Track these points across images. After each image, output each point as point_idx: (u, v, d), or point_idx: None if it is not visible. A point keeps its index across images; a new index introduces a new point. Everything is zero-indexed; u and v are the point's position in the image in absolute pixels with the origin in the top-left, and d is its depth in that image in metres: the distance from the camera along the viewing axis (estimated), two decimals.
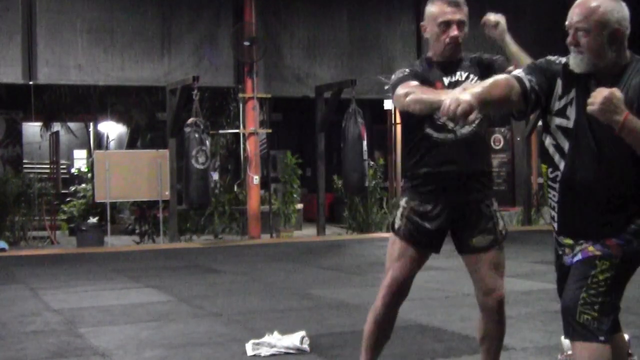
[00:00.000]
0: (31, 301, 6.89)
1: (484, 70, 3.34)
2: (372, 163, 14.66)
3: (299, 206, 15.20)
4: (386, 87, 3.47)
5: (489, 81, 2.77)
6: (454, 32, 3.29)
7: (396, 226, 3.36)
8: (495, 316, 3.36)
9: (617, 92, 2.54)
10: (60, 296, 7.11)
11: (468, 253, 3.36)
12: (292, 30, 13.74)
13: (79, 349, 4.93)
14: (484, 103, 2.66)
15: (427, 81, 3.25)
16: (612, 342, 2.77)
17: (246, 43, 12.50)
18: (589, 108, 2.56)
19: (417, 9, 14.58)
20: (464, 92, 2.66)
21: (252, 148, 12.99)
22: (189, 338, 5.19)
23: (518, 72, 2.83)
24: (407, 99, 3.12)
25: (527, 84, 2.74)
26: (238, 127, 14.08)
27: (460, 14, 3.30)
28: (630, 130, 2.54)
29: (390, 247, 3.39)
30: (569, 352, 4.23)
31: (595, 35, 2.63)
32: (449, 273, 8.33)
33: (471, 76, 3.33)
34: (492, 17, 3.42)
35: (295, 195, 14.66)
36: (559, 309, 6.27)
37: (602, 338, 2.65)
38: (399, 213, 3.37)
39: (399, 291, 3.38)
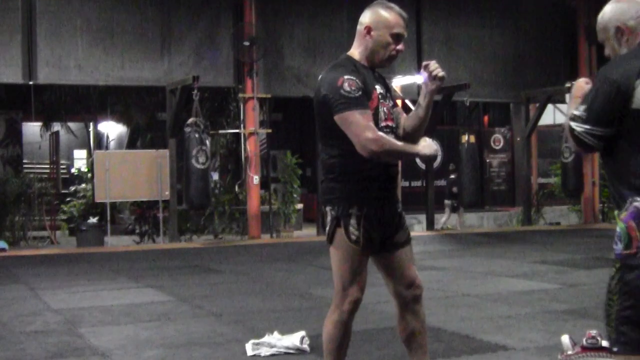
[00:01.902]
0: (31, 301, 6.89)
1: (388, 91, 3.41)
2: None
3: (299, 206, 15.20)
4: (328, 96, 3.18)
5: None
6: (401, 46, 3.31)
7: (353, 237, 3.24)
8: (417, 308, 3.43)
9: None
10: (60, 296, 7.11)
11: (390, 251, 3.37)
12: (292, 31, 13.74)
13: (79, 349, 4.93)
14: None
15: (367, 89, 3.22)
16: None
17: (246, 43, 12.50)
18: None
19: (417, 9, 14.61)
20: None
21: (252, 148, 12.99)
22: (189, 338, 5.19)
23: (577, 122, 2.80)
24: (381, 149, 3.12)
25: (591, 140, 2.77)
26: (238, 127, 14.09)
27: (406, 32, 3.35)
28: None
29: (347, 258, 3.28)
30: (569, 352, 4.24)
31: (607, 41, 2.78)
32: (449, 273, 8.33)
33: (388, 96, 3.36)
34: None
35: (295, 195, 14.66)
36: (559, 309, 6.29)
37: (615, 349, 2.62)
38: (352, 222, 3.23)
39: (361, 300, 3.39)
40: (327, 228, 3.34)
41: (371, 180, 3.26)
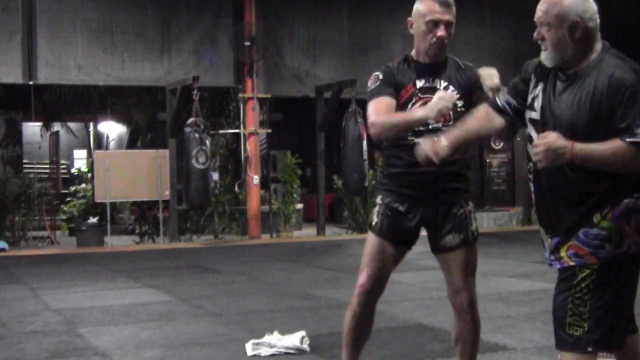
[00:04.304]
0: (31, 301, 6.89)
1: (465, 87, 3.33)
2: None
3: (299, 206, 15.19)
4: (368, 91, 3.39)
5: (467, 120, 2.98)
6: (441, 32, 3.24)
7: (373, 223, 3.37)
8: (466, 316, 3.35)
9: (551, 137, 2.59)
10: (60, 296, 7.11)
11: (440, 253, 3.37)
12: (292, 30, 13.73)
13: (79, 349, 4.93)
14: (464, 143, 2.99)
15: (400, 84, 3.28)
16: (629, 344, 2.76)
17: (246, 43, 12.50)
18: (538, 165, 2.67)
19: None
20: (440, 139, 2.90)
21: (252, 148, 12.98)
22: (189, 338, 5.19)
23: (500, 94, 2.96)
24: (378, 129, 3.21)
25: (507, 107, 2.92)
26: (238, 127, 14.08)
27: (449, 15, 3.26)
28: (583, 161, 2.58)
29: (367, 245, 3.40)
30: None
31: (556, 29, 2.69)
32: None
33: (451, 87, 3.30)
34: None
35: (295, 195, 14.65)
36: None
37: (590, 349, 2.64)
38: (375, 210, 3.39)
39: (374, 289, 3.35)
40: None
41: (399, 177, 3.32)
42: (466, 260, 3.34)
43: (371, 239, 3.38)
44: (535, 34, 2.77)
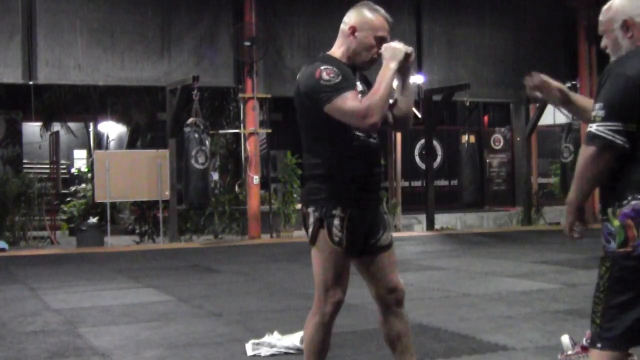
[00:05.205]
0: (31, 301, 6.89)
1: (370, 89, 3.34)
2: None
3: (299, 206, 15.20)
4: (320, 94, 3.14)
5: (578, 178, 2.69)
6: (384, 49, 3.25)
7: (336, 239, 3.19)
8: (402, 310, 3.37)
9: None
10: (60, 296, 7.11)
11: (374, 253, 3.31)
12: (292, 30, 13.74)
13: (79, 349, 4.93)
14: (585, 201, 2.79)
15: (348, 78, 3.17)
16: None
17: (246, 43, 12.50)
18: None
19: (417, 9, 14.62)
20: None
21: (252, 148, 12.99)
22: (189, 338, 5.19)
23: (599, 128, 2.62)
24: (378, 114, 3.05)
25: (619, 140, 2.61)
26: (238, 127, 14.08)
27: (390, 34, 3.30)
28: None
29: (330, 259, 3.23)
30: (569, 352, 4.24)
31: (609, 33, 2.79)
32: (449, 273, 8.33)
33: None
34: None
35: (295, 195, 14.66)
36: (559, 309, 6.30)
37: (599, 345, 2.65)
38: (336, 223, 3.18)
39: (343, 302, 3.34)
40: (310, 229, 3.28)
41: (355, 181, 3.21)
42: (394, 257, 3.39)
43: (334, 255, 3.22)
44: (601, 45, 2.86)
